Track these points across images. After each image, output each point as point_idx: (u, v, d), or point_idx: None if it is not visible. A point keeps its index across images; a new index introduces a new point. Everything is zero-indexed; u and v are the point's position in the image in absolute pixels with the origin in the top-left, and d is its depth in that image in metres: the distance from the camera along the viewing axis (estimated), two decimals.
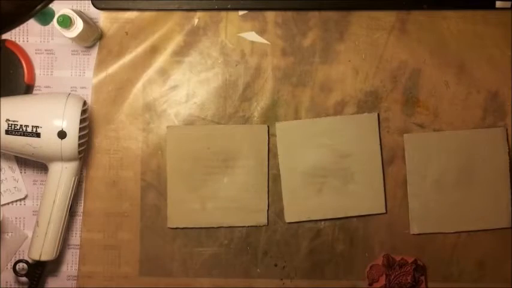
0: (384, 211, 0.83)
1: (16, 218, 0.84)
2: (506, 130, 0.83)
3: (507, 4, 0.82)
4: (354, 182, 0.83)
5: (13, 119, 0.75)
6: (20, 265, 0.81)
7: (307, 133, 0.83)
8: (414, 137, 0.83)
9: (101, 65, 0.83)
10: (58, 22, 0.77)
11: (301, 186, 0.83)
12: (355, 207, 0.83)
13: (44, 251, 0.79)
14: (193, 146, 0.83)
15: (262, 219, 0.83)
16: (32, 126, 0.75)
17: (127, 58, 0.83)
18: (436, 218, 0.83)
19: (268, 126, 0.83)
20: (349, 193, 0.83)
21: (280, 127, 0.83)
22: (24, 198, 0.84)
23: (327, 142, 0.82)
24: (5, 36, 0.83)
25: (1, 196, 0.83)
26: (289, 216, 0.83)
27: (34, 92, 0.83)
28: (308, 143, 0.82)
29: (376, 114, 0.83)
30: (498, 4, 0.82)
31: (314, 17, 0.83)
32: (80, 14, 0.78)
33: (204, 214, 0.83)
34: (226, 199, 0.83)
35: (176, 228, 0.83)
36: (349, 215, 0.83)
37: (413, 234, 0.83)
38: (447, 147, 0.83)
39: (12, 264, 0.81)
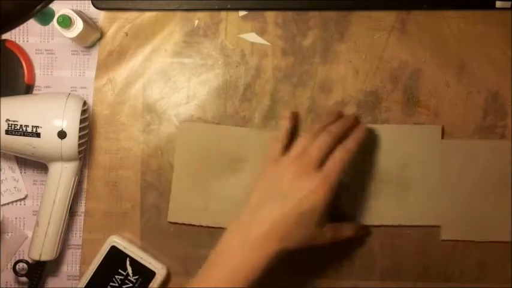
0: (439, 224, 0.82)
1: (16, 218, 0.84)
2: None
3: (507, 4, 0.82)
4: (411, 192, 0.82)
5: (13, 119, 0.75)
6: (20, 265, 0.81)
7: (371, 138, 0.82)
8: (451, 143, 0.82)
9: (101, 66, 0.83)
10: (58, 22, 0.77)
11: (358, 190, 0.82)
12: (410, 217, 0.82)
13: (44, 251, 0.79)
14: (204, 143, 0.82)
15: None
16: (32, 126, 0.75)
17: (127, 59, 0.83)
18: (467, 226, 0.82)
19: None
20: (406, 202, 0.82)
21: None
22: (24, 198, 0.84)
23: (390, 149, 0.82)
24: (5, 36, 0.83)
25: (1, 196, 0.83)
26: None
27: (34, 92, 0.83)
28: (373, 147, 0.82)
29: (441, 127, 0.82)
30: (498, 4, 0.82)
31: (314, 17, 0.83)
32: (80, 14, 0.78)
33: (206, 213, 0.82)
34: (230, 200, 0.82)
35: (175, 223, 0.82)
36: (402, 224, 0.83)
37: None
38: (484, 157, 0.82)
39: (12, 264, 0.81)
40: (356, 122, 0.80)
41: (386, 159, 0.82)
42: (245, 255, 0.70)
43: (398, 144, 0.82)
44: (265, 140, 0.82)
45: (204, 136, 0.83)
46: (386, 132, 0.82)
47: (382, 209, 0.82)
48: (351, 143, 0.75)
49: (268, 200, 0.72)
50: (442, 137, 0.82)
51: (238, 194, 0.82)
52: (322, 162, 0.72)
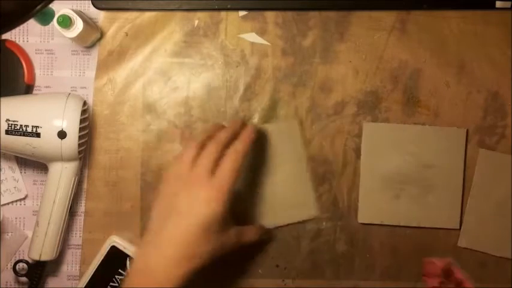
0: (458, 227, 0.82)
1: (16, 218, 0.84)
2: None
3: (507, 4, 0.82)
4: (432, 194, 0.82)
5: (13, 119, 0.75)
6: (20, 265, 0.81)
7: (396, 137, 0.82)
8: (490, 154, 0.82)
9: (101, 66, 0.83)
10: (58, 22, 0.77)
11: (379, 189, 0.82)
12: (430, 219, 0.82)
13: (44, 251, 0.79)
14: None
15: (312, 211, 0.83)
16: (32, 126, 0.75)
17: (127, 59, 0.83)
18: (488, 238, 0.82)
19: (298, 121, 0.82)
20: (427, 204, 0.82)
21: (367, 127, 0.82)
22: (24, 198, 0.84)
23: (414, 150, 0.82)
24: (5, 36, 0.83)
25: (1, 196, 0.83)
26: (363, 217, 0.83)
27: (34, 92, 0.83)
28: (394, 147, 0.82)
29: (465, 130, 0.82)
30: (498, 4, 0.82)
31: (314, 17, 0.83)
32: (80, 14, 0.78)
33: (250, 216, 0.83)
34: (271, 198, 0.82)
35: None
36: (422, 226, 0.83)
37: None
38: None
39: (12, 264, 0.81)
40: (243, 125, 0.79)
41: (409, 159, 0.82)
42: (156, 281, 0.68)
43: (422, 145, 0.82)
44: (283, 128, 0.83)
45: None
46: (409, 133, 0.82)
47: (402, 209, 0.82)
48: (238, 144, 0.74)
49: (168, 220, 0.71)
50: (467, 140, 0.82)
51: (276, 190, 0.82)
52: (213, 170, 0.72)
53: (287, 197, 0.83)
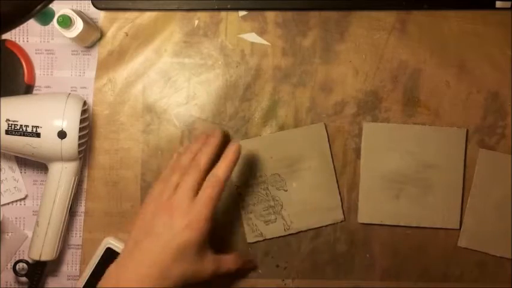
0: (458, 227, 0.82)
1: (16, 218, 0.84)
2: None
3: (507, 4, 0.82)
4: (432, 194, 0.82)
5: (13, 119, 0.75)
6: (20, 265, 0.81)
7: (396, 137, 0.82)
8: (490, 154, 0.82)
9: (101, 66, 0.83)
10: (58, 22, 0.77)
11: (379, 189, 0.82)
12: (430, 219, 0.82)
13: (44, 251, 0.79)
14: (258, 156, 0.83)
15: (338, 215, 0.83)
16: (32, 126, 0.75)
17: (127, 59, 0.83)
18: (488, 238, 0.82)
19: (325, 124, 0.82)
20: (426, 204, 0.82)
21: (367, 127, 0.82)
22: (24, 198, 0.84)
23: (414, 150, 0.82)
24: (5, 36, 0.83)
25: (1, 196, 0.83)
26: (363, 217, 0.83)
27: (34, 92, 0.83)
28: (394, 147, 0.82)
29: (465, 129, 0.82)
30: (498, 4, 0.82)
31: (314, 17, 0.83)
32: (80, 14, 0.78)
33: (279, 223, 0.83)
34: (299, 203, 0.82)
35: (256, 242, 0.83)
36: (422, 226, 0.83)
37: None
38: None
39: (12, 264, 0.81)
40: (226, 139, 0.78)
41: (409, 159, 0.82)
42: None
43: (421, 145, 0.82)
44: (310, 133, 0.82)
45: (253, 151, 0.83)
46: (409, 133, 0.82)
47: (402, 209, 0.82)
48: (219, 170, 0.74)
49: (144, 240, 0.71)
50: (467, 140, 0.82)
51: (305, 195, 0.82)
52: (193, 196, 0.72)
53: (315, 201, 0.83)
